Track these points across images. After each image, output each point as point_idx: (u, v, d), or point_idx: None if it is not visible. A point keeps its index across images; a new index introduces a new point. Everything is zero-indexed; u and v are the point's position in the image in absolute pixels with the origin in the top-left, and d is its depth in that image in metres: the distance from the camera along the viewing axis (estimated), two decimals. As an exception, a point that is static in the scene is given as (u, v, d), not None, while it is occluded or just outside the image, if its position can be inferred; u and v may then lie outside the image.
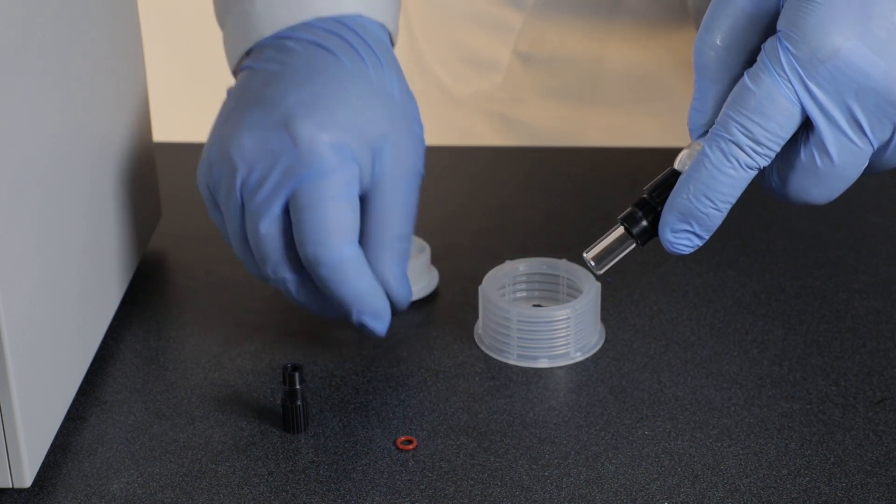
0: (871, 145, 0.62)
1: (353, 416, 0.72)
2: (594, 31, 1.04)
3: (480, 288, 0.77)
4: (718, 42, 0.64)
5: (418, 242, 0.83)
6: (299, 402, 0.70)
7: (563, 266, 0.80)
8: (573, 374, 0.75)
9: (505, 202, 0.94)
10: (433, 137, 1.19)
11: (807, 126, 0.63)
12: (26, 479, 0.65)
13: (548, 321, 0.75)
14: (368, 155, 0.73)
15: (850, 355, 0.76)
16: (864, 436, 0.69)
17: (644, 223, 0.67)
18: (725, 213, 0.66)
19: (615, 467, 0.68)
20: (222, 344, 0.78)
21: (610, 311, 0.80)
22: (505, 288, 0.80)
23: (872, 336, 0.77)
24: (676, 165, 0.66)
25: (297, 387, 0.70)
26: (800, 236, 0.88)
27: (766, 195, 0.95)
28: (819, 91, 0.61)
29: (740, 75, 0.63)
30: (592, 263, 0.68)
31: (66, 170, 0.70)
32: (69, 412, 0.72)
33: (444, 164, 1.01)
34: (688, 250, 0.67)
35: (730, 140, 0.63)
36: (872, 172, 0.65)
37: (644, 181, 0.96)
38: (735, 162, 0.64)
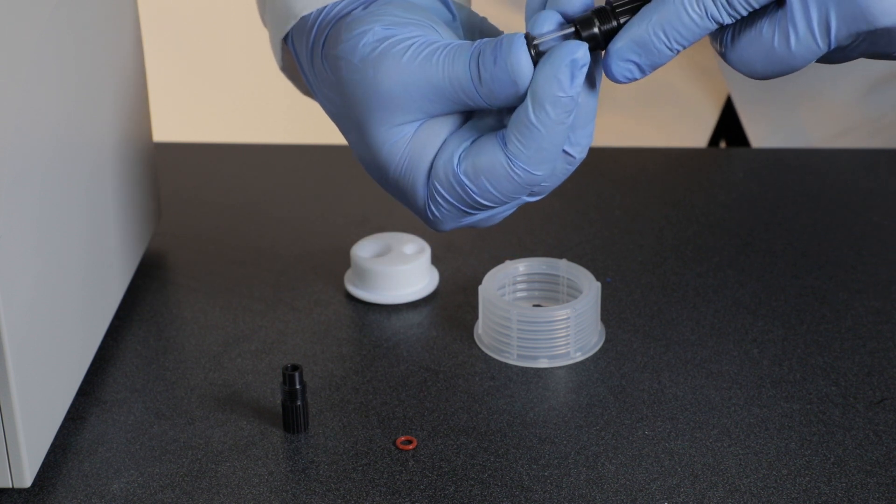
0: (829, 47, 0.63)
1: (353, 416, 0.72)
2: None
3: (480, 288, 0.77)
4: None
5: (418, 242, 0.83)
6: (299, 402, 0.70)
7: (563, 266, 0.80)
8: (573, 374, 0.75)
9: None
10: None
11: (779, 4, 0.62)
12: (26, 479, 0.65)
13: (548, 321, 0.75)
14: None
15: (850, 355, 0.76)
16: (864, 436, 0.69)
17: (596, 30, 0.63)
18: (674, 55, 0.64)
19: (615, 467, 0.68)
20: (222, 344, 0.78)
21: (610, 311, 0.80)
22: (505, 288, 0.80)
23: (872, 336, 0.77)
24: None
25: (297, 387, 0.70)
26: (800, 236, 0.88)
27: (766, 195, 0.95)
28: None
29: None
30: (532, 52, 0.63)
31: (66, 170, 0.70)
32: (69, 412, 0.72)
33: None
34: (625, 80, 0.65)
35: None
36: (818, 61, 0.65)
37: (644, 181, 0.97)
38: (703, 10, 0.62)
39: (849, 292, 0.82)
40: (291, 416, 0.70)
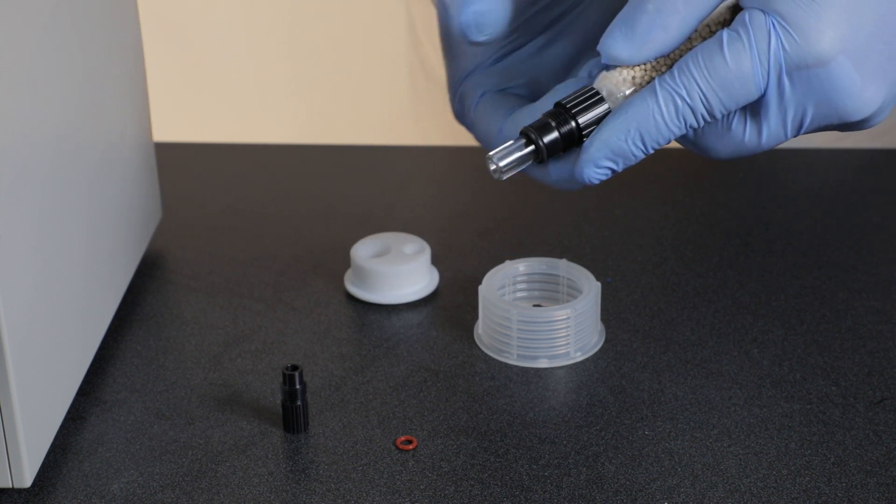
0: (795, 136, 0.63)
1: (353, 416, 0.72)
2: None
3: (480, 288, 0.77)
4: None
5: (418, 242, 0.83)
6: (299, 402, 0.70)
7: (563, 266, 0.80)
8: (573, 374, 0.75)
9: (505, 202, 0.94)
10: (434, 137, 1.20)
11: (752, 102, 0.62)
12: (26, 479, 0.65)
13: (548, 321, 0.75)
14: None
15: (850, 355, 0.76)
16: (864, 436, 0.69)
17: (556, 135, 0.63)
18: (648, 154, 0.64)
19: (615, 467, 0.68)
20: (222, 344, 0.78)
21: (610, 311, 0.80)
22: (505, 288, 0.80)
23: (872, 336, 0.77)
24: (602, 91, 0.63)
25: (297, 387, 0.70)
26: (800, 236, 0.88)
27: (766, 195, 0.95)
28: (790, 91, 0.60)
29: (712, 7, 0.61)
30: (494, 164, 0.64)
31: (66, 170, 0.70)
32: (69, 412, 0.72)
33: (444, 164, 1.01)
34: (597, 182, 0.64)
35: (688, 104, 0.61)
36: None
37: (644, 181, 0.97)
38: (683, 122, 0.62)
39: (849, 292, 0.82)
40: (291, 416, 0.70)
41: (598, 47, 0.62)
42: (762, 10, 0.59)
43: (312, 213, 0.92)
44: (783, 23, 0.59)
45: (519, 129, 0.64)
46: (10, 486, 0.65)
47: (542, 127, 0.63)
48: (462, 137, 1.14)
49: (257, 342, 0.78)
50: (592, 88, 0.63)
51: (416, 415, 0.72)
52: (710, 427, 0.70)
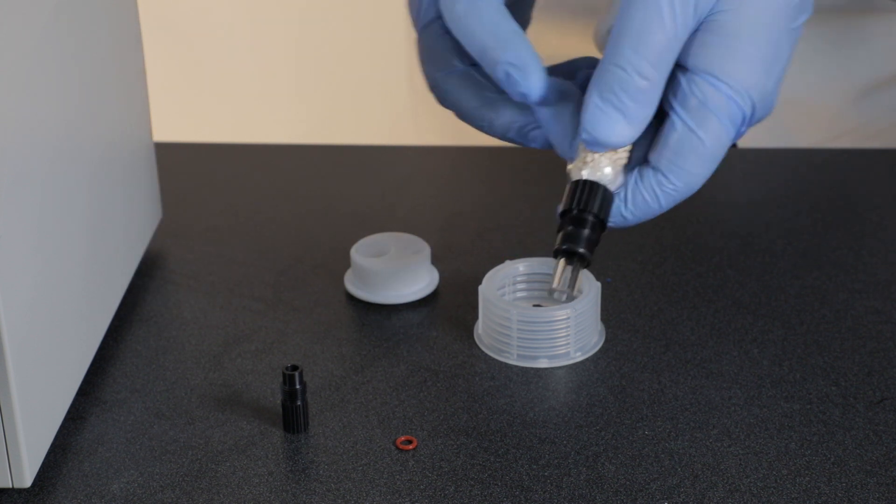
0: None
1: (353, 416, 0.72)
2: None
3: (480, 288, 0.77)
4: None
5: (418, 243, 0.83)
6: (299, 403, 0.70)
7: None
8: (573, 374, 0.75)
9: (505, 202, 0.94)
10: (433, 137, 1.20)
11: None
12: (26, 479, 0.65)
13: (548, 321, 0.75)
14: None
15: (850, 355, 0.76)
16: (864, 436, 0.69)
17: (587, 233, 0.66)
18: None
19: (615, 467, 0.68)
20: (222, 344, 0.78)
21: (610, 311, 0.80)
22: (505, 288, 0.80)
23: (872, 336, 0.77)
24: (593, 176, 0.66)
25: (297, 387, 0.70)
26: (800, 236, 0.88)
27: (766, 195, 0.95)
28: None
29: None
30: (562, 296, 0.67)
31: (66, 170, 0.70)
32: (69, 412, 0.72)
33: (444, 164, 1.01)
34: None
35: (682, 188, 0.66)
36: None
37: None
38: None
39: (849, 292, 0.82)
40: (291, 416, 0.70)
41: (591, 134, 0.63)
42: (702, 76, 0.62)
43: (312, 213, 0.92)
44: (728, 80, 0.62)
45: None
46: (10, 486, 0.65)
47: (572, 237, 0.65)
48: (462, 138, 1.14)
49: (257, 342, 0.78)
50: (585, 181, 0.66)
51: (416, 415, 0.72)
52: (710, 427, 0.70)
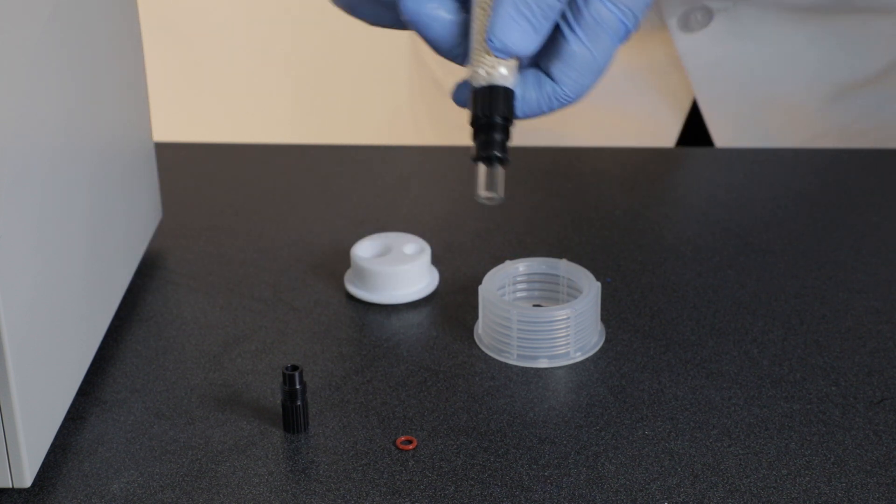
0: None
1: (353, 416, 0.72)
2: None
3: (480, 288, 0.77)
4: None
5: (418, 242, 0.83)
6: (299, 402, 0.70)
7: (563, 266, 0.80)
8: (573, 374, 0.75)
9: (505, 202, 0.94)
10: (430, 136, 1.19)
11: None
12: (26, 479, 0.65)
13: (548, 321, 0.75)
14: None
15: (850, 355, 0.76)
16: (864, 436, 0.69)
17: (500, 137, 0.68)
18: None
19: (615, 467, 0.68)
20: (222, 344, 0.78)
21: (610, 311, 0.80)
22: (505, 288, 0.80)
23: (872, 336, 0.77)
24: (493, 80, 0.68)
25: (297, 387, 0.70)
26: (800, 236, 0.88)
27: (766, 195, 0.95)
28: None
29: None
30: (485, 198, 0.69)
31: (66, 170, 0.70)
32: (69, 412, 0.72)
33: (444, 164, 1.01)
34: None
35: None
36: None
37: (644, 181, 0.97)
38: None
39: (849, 292, 0.82)
40: (291, 416, 0.70)
41: (502, 42, 0.67)
42: None
43: (312, 213, 0.93)
44: None
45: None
46: (10, 486, 0.65)
47: (486, 144, 0.68)
48: (462, 138, 1.14)
49: (257, 342, 0.78)
50: (487, 87, 0.68)
51: (416, 415, 0.72)
52: (710, 427, 0.70)
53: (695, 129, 1.07)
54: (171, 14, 1.99)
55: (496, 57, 0.68)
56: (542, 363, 0.76)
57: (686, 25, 1.00)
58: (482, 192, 0.69)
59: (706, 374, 0.75)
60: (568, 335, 0.75)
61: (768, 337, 0.78)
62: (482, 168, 0.69)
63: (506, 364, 0.76)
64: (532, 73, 0.69)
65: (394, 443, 0.70)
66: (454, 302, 0.82)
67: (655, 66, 1.04)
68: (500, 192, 0.69)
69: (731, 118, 1.04)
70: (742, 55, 1.02)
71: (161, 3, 1.94)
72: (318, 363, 0.76)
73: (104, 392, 0.74)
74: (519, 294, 0.81)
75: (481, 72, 0.69)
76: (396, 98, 1.40)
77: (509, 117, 0.69)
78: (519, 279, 0.80)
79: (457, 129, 1.14)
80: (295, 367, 0.70)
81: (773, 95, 1.04)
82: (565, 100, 0.69)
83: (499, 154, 0.69)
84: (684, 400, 0.72)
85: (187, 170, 0.99)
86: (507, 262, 0.80)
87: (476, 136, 0.69)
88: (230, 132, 2.04)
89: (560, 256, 0.81)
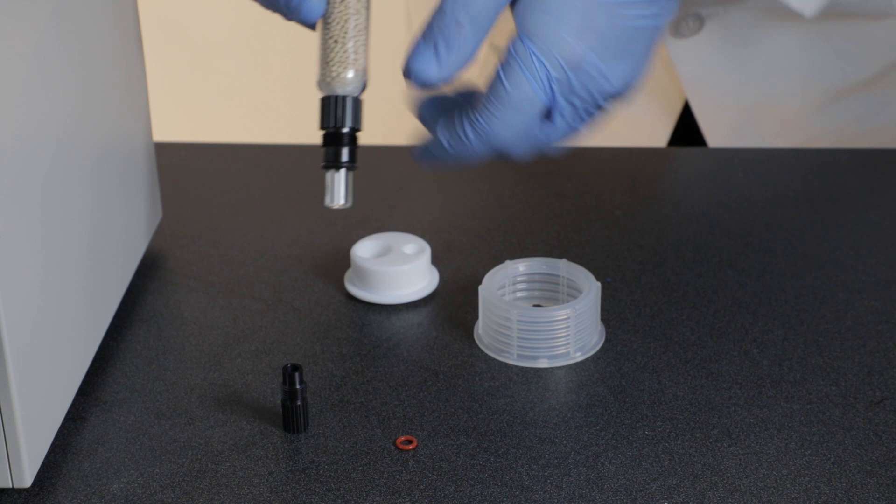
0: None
1: (353, 416, 0.72)
2: None
3: (480, 288, 0.77)
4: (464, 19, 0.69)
5: (418, 242, 0.83)
6: (299, 402, 0.70)
7: (563, 266, 0.80)
8: (573, 374, 0.75)
9: (505, 202, 0.94)
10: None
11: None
12: (26, 479, 0.65)
13: (548, 321, 0.75)
14: None
15: (850, 355, 0.76)
16: (864, 436, 0.69)
17: (347, 149, 0.73)
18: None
19: (615, 467, 0.68)
20: (222, 344, 0.78)
21: (610, 311, 0.80)
22: (505, 288, 0.80)
23: (872, 336, 0.77)
24: (340, 90, 0.72)
25: (297, 387, 0.70)
26: (800, 236, 0.88)
27: (766, 195, 0.95)
28: (561, 92, 0.68)
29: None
30: (338, 205, 0.74)
31: (66, 170, 0.70)
32: (69, 412, 0.72)
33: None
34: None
35: (487, 130, 0.69)
36: None
37: (644, 181, 0.97)
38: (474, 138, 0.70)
39: (849, 292, 0.82)
40: (291, 416, 0.70)
41: (408, 67, 0.70)
42: (519, 39, 0.68)
43: (312, 213, 0.93)
44: (536, 42, 0.67)
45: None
46: (10, 486, 0.65)
47: (336, 153, 0.73)
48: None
49: (257, 342, 0.78)
50: (335, 97, 0.72)
51: (416, 415, 0.72)
52: (710, 427, 0.70)
53: (686, 130, 1.07)
54: (171, 14, 1.99)
55: (344, 65, 0.71)
56: (542, 363, 0.76)
57: (678, 31, 1.00)
58: (333, 200, 0.73)
59: (706, 374, 0.75)
60: (568, 335, 0.75)
61: (768, 337, 0.78)
62: (332, 176, 0.73)
63: (506, 364, 0.76)
64: (462, 110, 0.71)
65: (394, 443, 0.70)
66: (454, 302, 0.82)
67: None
68: (349, 199, 0.73)
69: (724, 121, 1.04)
70: (734, 60, 1.02)
71: (161, 3, 1.94)
72: (318, 363, 0.76)
73: (104, 392, 0.74)
74: (519, 294, 0.81)
75: (330, 80, 0.72)
76: (396, 98, 1.40)
77: (357, 127, 0.73)
78: (519, 279, 0.80)
79: None
80: (295, 367, 0.70)
81: (765, 100, 1.04)
82: (482, 132, 0.71)
83: (347, 163, 0.73)
84: (684, 400, 0.72)
85: (187, 170, 0.99)
86: (507, 262, 0.80)
87: (325, 144, 0.73)
88: (230, 132, 2.04)
89: (560, 256, 0.81)
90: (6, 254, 0.62)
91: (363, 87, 0.73)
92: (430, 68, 0.69)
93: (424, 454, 0.69)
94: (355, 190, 0.96)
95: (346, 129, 0.73)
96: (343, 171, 0.73)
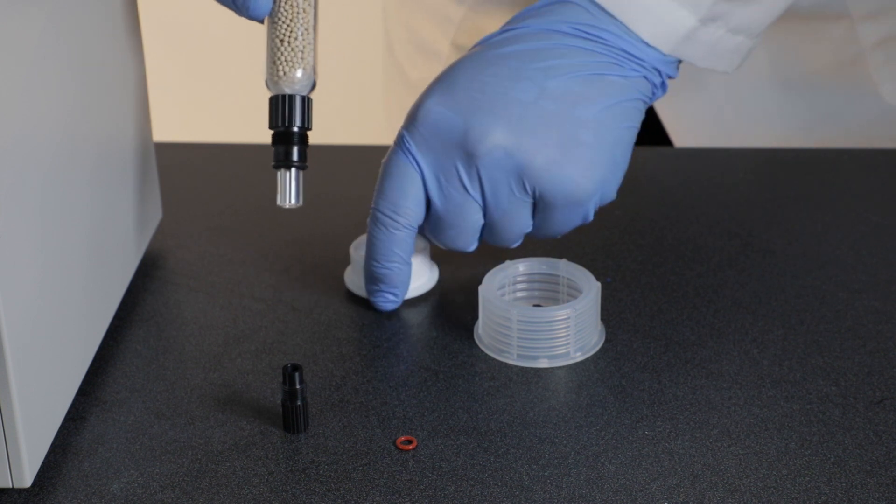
0: (477, 195, 0.77)
1: (353, 416, 0.72)
2: None
3: (480, 288, 0.77)
4: None
5: (419, 240, 0.83)
6: (299, 402, 0.70)
7: (563, 266, 0.80)
8: (573, 374, 0.75)
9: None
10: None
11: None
12: (26, 479, 0.65)
13: (548, 321, 0.75)
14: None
15: (850, 355, 0.76)
16: (864, 436, 0.69)
17: (296, 147, 0.74)
18: (405, 267, 0.79)
19: (615, 467, 0.68)
20: (222, 344, 0.78)
21: (610, 311, 0.80)
22: (505, 288, 0.80)
23: (872, 336, 0.77)
24: (289, 89, 0.74)
25: (297, 387, 0.70)
26: (800, 236, 0.88)
27: (766, 195, 0.95)
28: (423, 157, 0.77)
29: None
30: (291, 204, 0.75)
31: (66, 170, 0.70)
32: (69, 412, 0.72)
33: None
34: (391, 306, 0.80)
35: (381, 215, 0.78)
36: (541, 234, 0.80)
37: (644, 181, 0.96)
38: (388, 229, 0.78)
39: (849, 292, 0.82)
40: (291, 416, 0.70)
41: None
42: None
43: (312, 213, 0.92)
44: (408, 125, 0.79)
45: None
46: (10, 486, 0.65)
47: (285, 154, 0.74)
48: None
49: (257, 342, 0.78)
50: (283, 96, 0.73)
51: (416, 415, 0.72)
52: (710, 427, 0.70)
53: (649, 130, 1.06)
54: (171, 14, 1.99)
55: (291, 64, 0.72)
56: (542, 363, 0.76)
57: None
58: (284, 200, 0.74)
59: (706, 374, 0.75)
60: (568, 335, 0.75)
61: (768, 337, 0.78)
62: (282, 175, 0.74)
63: (506, 364, 0.76)
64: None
65: (394, 443, 0.70)
66: (454, 302, 0.82)
67: None
68: (300, 199, 0.74)
69: (688, 121, 1.04)
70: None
71: (161, 3, 1.94)
72: (318, 363, 0.76)
73: (104, 392, 0.74)
74: (519, 294, 0.81)
75: (278, 79, 0.72)
76: (396, 98, 1.40)
77: (306, 126, 0.73)
78: (519, 279, 0.80)
79: None
80: (295, 367, 0.70)
81: (727, 96, 1.04)
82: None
83: (297, 162, 0.73)
84: (684, 400, 0.72)
85: (187, 170, 0.99)
86: (507, 262, 0.80)
87: (275, 144, 0.73)
88: (230, 132, 2.04)
89: (560, 256, 0.81)
90: (6, 254, 0.62)
91: (312, 86, 0.74)
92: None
93: (424, 454, 0.69)
94: (356, 189, 0.96)
95: (295, 129, 0.73)
96: (293, 171, 0.74)
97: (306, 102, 0.74)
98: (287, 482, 0.67)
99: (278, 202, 0.74)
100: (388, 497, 0.66)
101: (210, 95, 2.08)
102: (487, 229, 0.79)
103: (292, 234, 0.90)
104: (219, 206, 0.94)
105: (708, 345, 0.77)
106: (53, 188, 0.68)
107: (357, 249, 0.82)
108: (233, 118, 2.09)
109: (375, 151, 1.03)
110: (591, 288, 0.77)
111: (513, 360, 0.76)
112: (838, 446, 0.69)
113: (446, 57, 1.08)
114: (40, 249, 0.66)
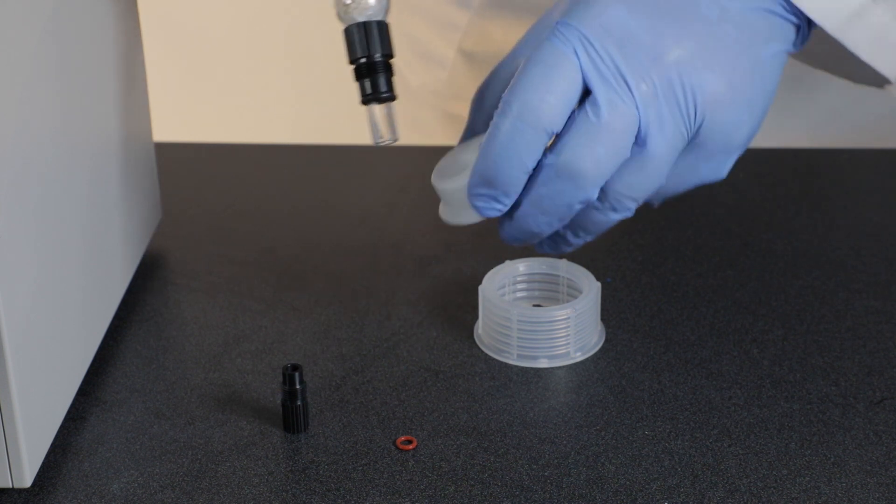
0: (635, 102, 0.66)
1: (353, 416, 0.72)
2: None
3: (480, 288, 0.77)
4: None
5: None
6: (299, 402, 0.70)
7: (563, 266, 0.80)
8: (573, 374, 0.75)
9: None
10: (433, 138, 1.19)
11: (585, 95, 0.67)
12: (26, 479, 0.65)
13: (548, 321, 0.75)
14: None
15: (850, 355, 0.76)
16: (864, 436, 0.69)
17: (383, 78, 0.69)
18: (523, 176, 0.69)
19: (615, 467, 0.68)
20: (222, 344, 0.78)
21: (610, 311, 0.80)
22: (505, 288, 0.80)
23: (872, 336, 0.77)
24: (362, 17, 0.69)
25: (297, 387, 0.70)
26: (800, 236, 0.88)
27: (766, 195, 0.95)
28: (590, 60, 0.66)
29: None
30: (385, 141, 0.70)
31: (66, 170, 0.70)
32: (69, 412, 0.72)
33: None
34: (494, 213, 0.71)
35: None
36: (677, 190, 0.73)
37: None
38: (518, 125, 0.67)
39: (849, 292, 0.82)
40: (291, 416, 0.70)
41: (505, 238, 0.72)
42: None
43: (312, 213, 0.93)
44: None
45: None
46: (10, 486, 0.65)
47: (374, 85, 0.69)
48: (413, 128, 1.14)
49: (257, 342, 0.78)
50: (358, 24, 0.68)
51: (416, 415, 0.72)
52: (710, 427, 0.70)
53: None
54: (171, 14, 1.99)
55: None
56: (542, 363, 0.76)
57: None
58: (379, 136, 0.69)
59: (706, 374, 0.75)
60: (568, 335, 0.75)
61: (768, 337, 0.78)
62: (375, 111, 0.69)
63: (506, 364, 0.76)
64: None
65: (394, 443, 0.70)
66: (454, 302, 0.82)
67: None
68: (397, 132, 0.70)
69: None
70: None
71: (161, 3, 1.94)
72: (318, 363, 0.76)
73: (104, 392, 0.74)
74: (519, 294, 0.81)
75: (349, 8, 0.68)
76: (398, 98, 1.40)
77: (389, 53, 0.68)
78: (519, 279, 0.80)
79: (408, 122, 1.14)
80: (295, 367, 0.70)
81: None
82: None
83: (387, 93, 0.68)
84: (684, 400, 0.72)
85: (187, 170, 0.99)
86: (507, 262, 0.80)
87: (360, 77, 0.68)
88: (230, 132, 2.04)
89: (560, 256, 0.81)
90: (6, 254, 0.62)
91: (387, 9, 0.68)
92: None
93: (424, 454, 0.69)
94: (356, 189, 0.96)
95: (378, 57, 0.68)
96: (385, 104, 0.69)
97: (384, 28, 0.68)
98: (287, 482, 0.67)
99: (374, 141, 0.69)
100: (388, 497, 0.66)
101: (210, 95, 2.08)
102: (630, 170, 0.69)
103: (292, 234, 0.90)
104: (219, 206, 0.94)
105: (708, 345, 0.77)
106: (53, 188, 0.68)
107: (437, 178, 0.75)
108: (233, 118, 2.09)
109: (375, 152, 1.03)
110: (591, 288, 0.77)
111: (513, 360, 0.76)
112: (838, 446, 0.69)
113: (451, 63, 1.07)
114: (40, 249, 0.66)
